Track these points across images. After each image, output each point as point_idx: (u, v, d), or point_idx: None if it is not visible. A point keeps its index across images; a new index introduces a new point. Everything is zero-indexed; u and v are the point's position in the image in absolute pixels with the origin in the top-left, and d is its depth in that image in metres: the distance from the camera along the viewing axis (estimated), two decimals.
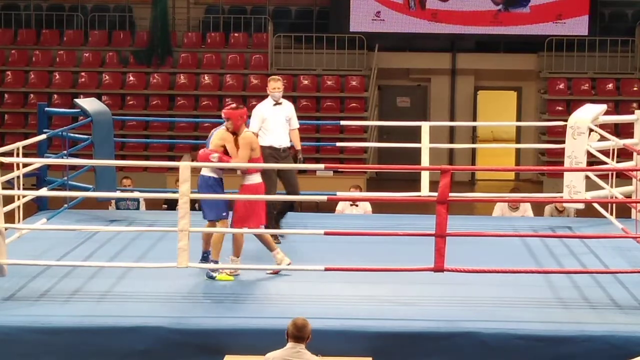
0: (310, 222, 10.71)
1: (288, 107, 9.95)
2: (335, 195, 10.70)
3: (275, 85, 9.80)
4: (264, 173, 9.14)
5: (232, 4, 22.30)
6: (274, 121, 9.75)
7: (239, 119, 8.48)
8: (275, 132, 9.76)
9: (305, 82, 21.14)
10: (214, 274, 8.31)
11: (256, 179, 8.59)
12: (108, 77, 21.36)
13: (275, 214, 9.71)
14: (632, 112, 11.42)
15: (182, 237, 7.73)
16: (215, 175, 8.49)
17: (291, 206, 10.12)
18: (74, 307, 7.63)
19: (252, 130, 9.61)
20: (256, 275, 8.39)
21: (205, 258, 8.49)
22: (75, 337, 7.24)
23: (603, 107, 10.87)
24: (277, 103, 9.82)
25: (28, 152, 10.30)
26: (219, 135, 8.57)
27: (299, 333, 6.50)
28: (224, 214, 8.43)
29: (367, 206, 12.33)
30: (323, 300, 7.93)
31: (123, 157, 17.77)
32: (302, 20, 21.97)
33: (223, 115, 8.58)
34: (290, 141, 9.95)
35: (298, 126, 10.07)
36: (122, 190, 12.09)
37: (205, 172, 8.49)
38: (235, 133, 8.53)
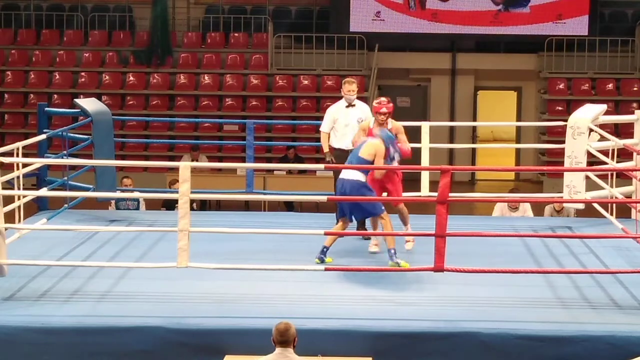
0: (310, 222, 10.71)
1: (362, 110, 9.91)
2: (335, 195, 10.68)
3: (350, 87, 9.80)
4: (334, 178, 9.40)
5: (232, 4, 22.30)
6: (345, 123, 9.74)
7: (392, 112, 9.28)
8: (345, 134, 9.76)
9: (305, 82, 21.14)
10: (399, 261, 8.67)
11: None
12: (108, 77, 21.36)
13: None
14: (632, 112, 11.42)
15: (182, 237, 7.73)
16: (365, 179, 8.81)
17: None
18: (74, 307, 7.63)
19: (323, 130, 9.77)
20: (257, 275, 8.38)
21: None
22: (75, 337, 7.24)
23: (603, 107, 10.87)
24: (349, 105, 9.81)
25: (28, 152, 10.30)
26: (374, 146, 8.87)
27: (282, 337, 6.46)
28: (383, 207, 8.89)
29: None
30: (323, 300, 7.93)
31: (123, 157, 17.76)
32: (302, 20, 21.97)
33: (384, 110, 9.14)
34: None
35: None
36: (123, 190, 12.10)
37: (359, 176, 8.75)
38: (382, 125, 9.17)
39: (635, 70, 21.17)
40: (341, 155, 9.71)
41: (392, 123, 9.36)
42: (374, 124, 9.28)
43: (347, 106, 9.84)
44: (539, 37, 20.92)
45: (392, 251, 8.73)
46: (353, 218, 9.01)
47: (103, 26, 21.84)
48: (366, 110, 9.95)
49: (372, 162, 8.83)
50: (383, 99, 9.35)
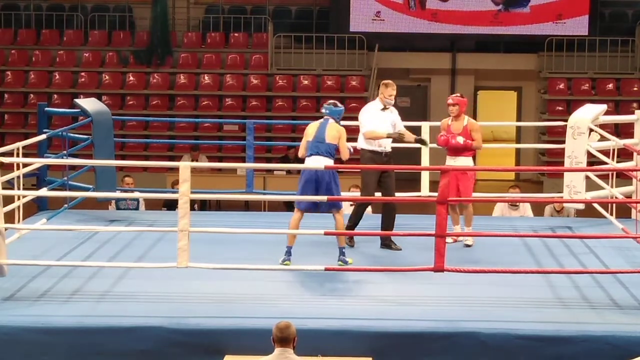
0: (310, 222, 10.69)
1: (395, 113, 9.88)
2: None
3: (393, 92, 9.79)
4: (363, 178, 9.55)
5: (232, 4, 22.30)
6: (380, 126, 9.65)
7: (463, 105, 9.86)
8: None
9: (305, 82, 21.14)
10: (347, 259, 8.75)
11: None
12: (108, 77, 21.36)
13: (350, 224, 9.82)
14: (632, 112, 11.42)
15: (182, 237, 7.73)
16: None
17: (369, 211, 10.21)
18: (74, 307, 7.63)
19: (369, 130, 9.64)
20: (257, 275, 8.38)
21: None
22: (75, 337, 7.24)
23: (603, 107, 10.88)
24: (384, 108, 9.76)
25: (28, 152, 10.31)
26: (335, 128, 9.09)
27: (282, 334, 6.41)
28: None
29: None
30: (323, 300, 7.93)
31: (123, 157, 17.77)
32: (302, 20, 21.97)
33: (449, 100, 9.91)
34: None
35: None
36: (124, 189, 12.10)
37: (329, 163, 8.92)
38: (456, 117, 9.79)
39: (635, 70, 21.17)
40: (374, 158, 9.64)
41: (468, 120, 9.89)
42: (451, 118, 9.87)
43: (382, 109, 9.74)
44: (539, 37, 20.91)
45: (343, 249, 8.82)
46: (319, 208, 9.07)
47: (103, 26, 21.84)
48: (397, 115, 9.91)
49: (337, 146, 8.99)
50: (456, 93, 10.10)
